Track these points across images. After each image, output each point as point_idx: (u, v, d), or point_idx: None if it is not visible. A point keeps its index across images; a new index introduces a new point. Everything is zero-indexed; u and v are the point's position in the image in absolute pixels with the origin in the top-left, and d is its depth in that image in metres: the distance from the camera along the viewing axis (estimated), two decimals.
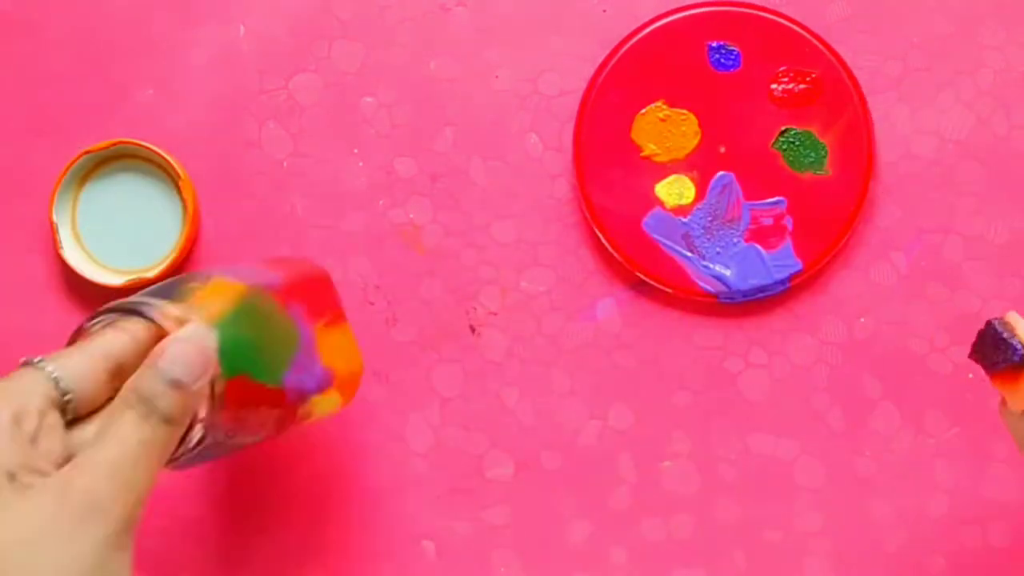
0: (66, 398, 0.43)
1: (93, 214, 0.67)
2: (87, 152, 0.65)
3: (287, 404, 0.51)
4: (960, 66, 0.66)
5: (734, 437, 0.66)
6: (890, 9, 0.67)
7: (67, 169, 0.65)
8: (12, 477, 0.39)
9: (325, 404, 0.55)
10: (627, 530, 0.66)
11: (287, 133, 0.68)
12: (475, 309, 0.67)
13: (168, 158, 0.65)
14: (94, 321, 0.46)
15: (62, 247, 0.65)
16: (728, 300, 0.65)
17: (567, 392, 0.66)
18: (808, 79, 0.65)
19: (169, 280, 0.50)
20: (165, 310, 0.46)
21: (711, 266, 0.65)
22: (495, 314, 0.67)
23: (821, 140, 0.65)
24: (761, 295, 0.65)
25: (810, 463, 0.66)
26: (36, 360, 0.43)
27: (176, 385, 0.42)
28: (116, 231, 0.66)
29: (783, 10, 0.66)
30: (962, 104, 0.66)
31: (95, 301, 0.67)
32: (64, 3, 0.68)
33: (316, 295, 0.57)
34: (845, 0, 0.67)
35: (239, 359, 0.47)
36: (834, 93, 0.65)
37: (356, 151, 0.67)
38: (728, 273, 0.65)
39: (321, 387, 0.54)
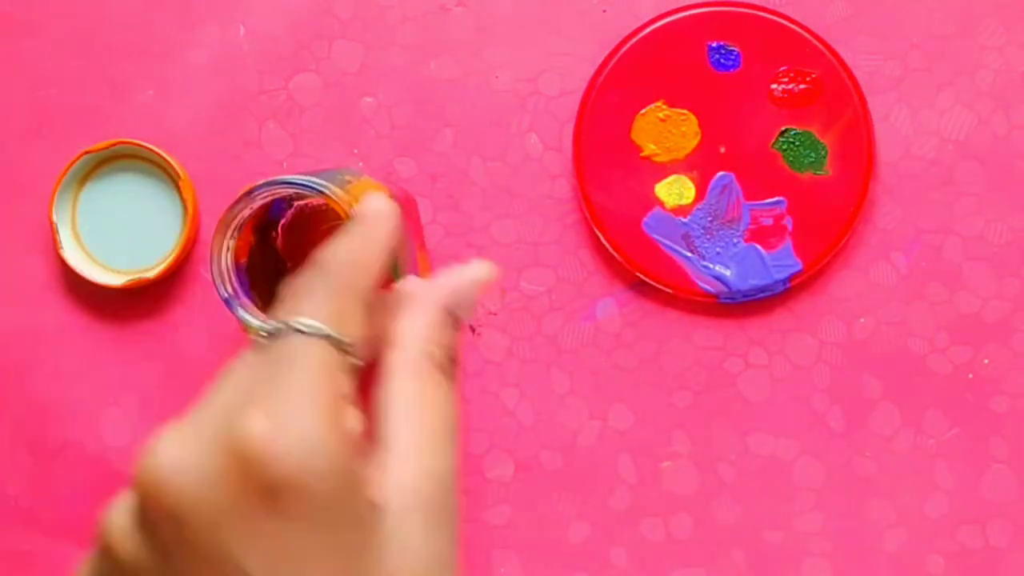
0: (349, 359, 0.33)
1: (93, 214, 0.67)
2: (87, 152, 0.65)
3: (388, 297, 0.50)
4: (960, 66, 0.66)
5: (734, 437, 0.66)
6: (890, 9, 0.67)
7: (67, 169, 0.65)
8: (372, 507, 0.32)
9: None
10: (627, 530, 0.66)
11: (287, 133, 0.68)
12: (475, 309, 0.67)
13: (168, 158, 0.65)
14: (262, 190, 0.48)
15: (62, 247, 0.65)
16: (728, 300, 0.65)
17: (567, 392, 0.66)
18: (808, 79, 0.65)
19: (316, 173, 0.50)
20: (340, 196, 0.47)
21: (711, 266, 0.65)
22: (495, 314, 0.67)
23: (821, 140, 0.65)
24: (761, 295, 0.65)
25: (810, 463, 0.66)
26: (301, 323, 0.32)
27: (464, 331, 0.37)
28: (116, 231, 0.66)
29: (783, 10, 0.66)
30: (962, 104, 0.66)
31: (95, 301, 0.67)
32: (64, 3, 0.68)
33: (413, 216, 0.56)
34: (845, 0, 0.67)
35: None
36: (834, 93, 0.65)
37: (356, 151, 0.67)
38: (728, 273, 0.65)
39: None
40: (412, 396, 0.34)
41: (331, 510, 0.30)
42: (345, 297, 0.34)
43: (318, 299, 0.34)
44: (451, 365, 0.36)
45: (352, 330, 0.33)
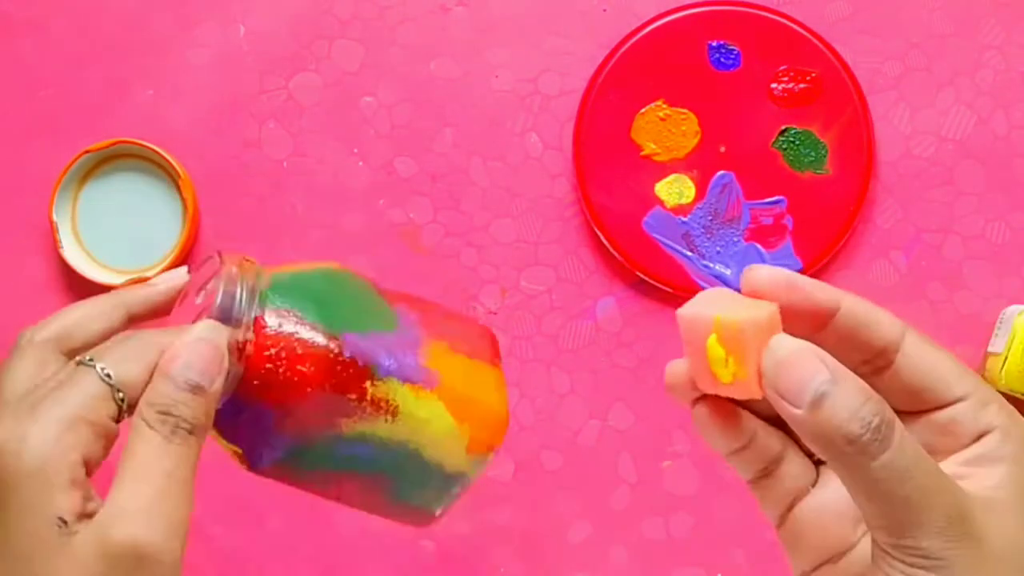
0: (119, 396, 0.39)
1: (93, 214, 0.67)
2: (87, 152, 0.65)
3: (339, 360, 0.42)
4: (960, 66, 0.66)
5: None
6: (890, 9, 0.67)
7: (67, 169, 0.65)
8: (63, 523, 0.36)
9: (420, 405, 0.44)
10: (627, 530, 0.66)
11: (287, 133, 0.68)
12: (475, 309, 0.67)
13: (168, 158, 0.65)
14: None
15: (62, 247, 0.65)
16: None
17: (567, 392, 0.66)
18: (808, 79, 0.65)
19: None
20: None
21: (711, 265, 0.65)
22: (495, 314, 0.67)
23: (821, 139, 0.65)
24: None
25: None
26: (88, 359, 0.39)
27: (195, 390, 0.39)
28: (116, 231, 0.66)
29: (783, 10, 0.66)
30: (962, 104, 0.66)
31: None
32: (64, 3, 0.68)
33: (450, 324, 0.48)
34: (845, 0, 0.67)
35: (287, 294, 0.42)
36: (834, 93, 0.65)
37: (356, 151, 0.67)
38: (728, 272, 0.65)
39: (408, 377, 0.44)
40: (128, 451, 0.38)
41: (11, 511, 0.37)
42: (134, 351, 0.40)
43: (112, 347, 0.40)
44: (164, 423, 0.39)
45: (121, 368, 0.39)
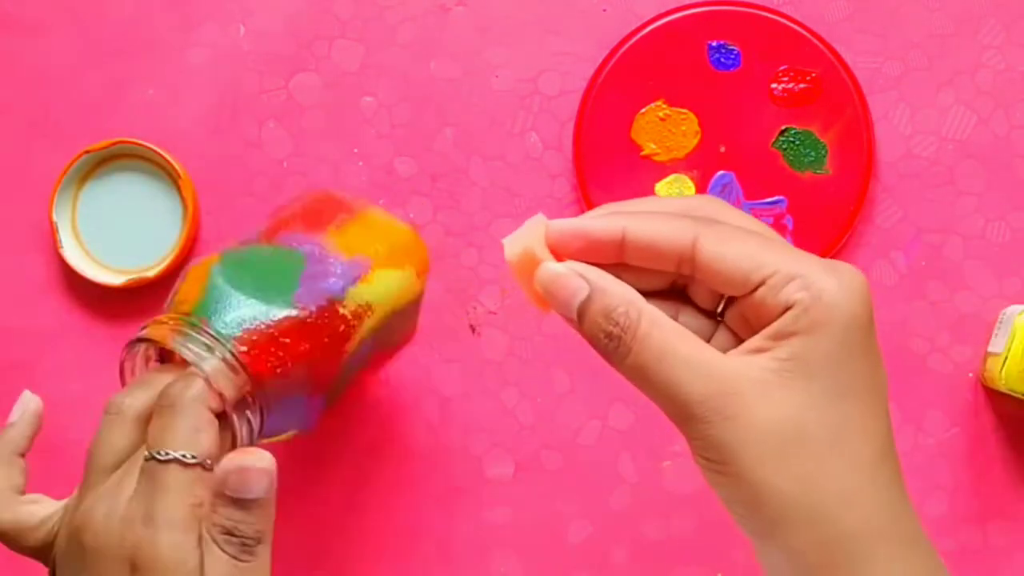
0: (208, 464, 0.44)
1: (93, 214, 0.67)
2: (87, 152, 0.65)
3: (314, 317, 0.49)
4: (960, 66, 0.66)
5: None
6: (890, 9, 0.67)
7: (67, 169, 0.65)
8: None
9: (378, 286, 0.53)
10: (627, 530, 0.66)
11: (287, 133, 0.68)
12: (475, 309, 0.67)
13: (168, 158, 0.65)
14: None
15: (62, 247, 0.65)
16: None
17: (567, 392, 0.66)
18: (808, 79, 0.65)
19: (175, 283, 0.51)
20: (160, 328, 0.47)
21: None
22: (495, 314, 0.67)
23: (821, 140, 0.65)
24: None
25: None
26: (160, 453, 0.43)
27: (253, 504, 0.43)
28: (116, 231, 0.66)
29: (783, 10, 0.66)
30: (962, 104, 0.66)
31: (95, 301, 0.67)
32: (65, 3, 0.68)
33: (313, 214, 0.55)
34: (845, 0, 0.67)
35: (232, 321, 0.47)
36: (834, 93, 0.65)
37: (356, 151, 0.67)
38: None
39: (354, 277, 0.52)
40: (206, 571, 0.42)
41: None
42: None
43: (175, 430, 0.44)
44: (230, 543, 0.43)
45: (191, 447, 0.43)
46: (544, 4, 0.67)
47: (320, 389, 0.50)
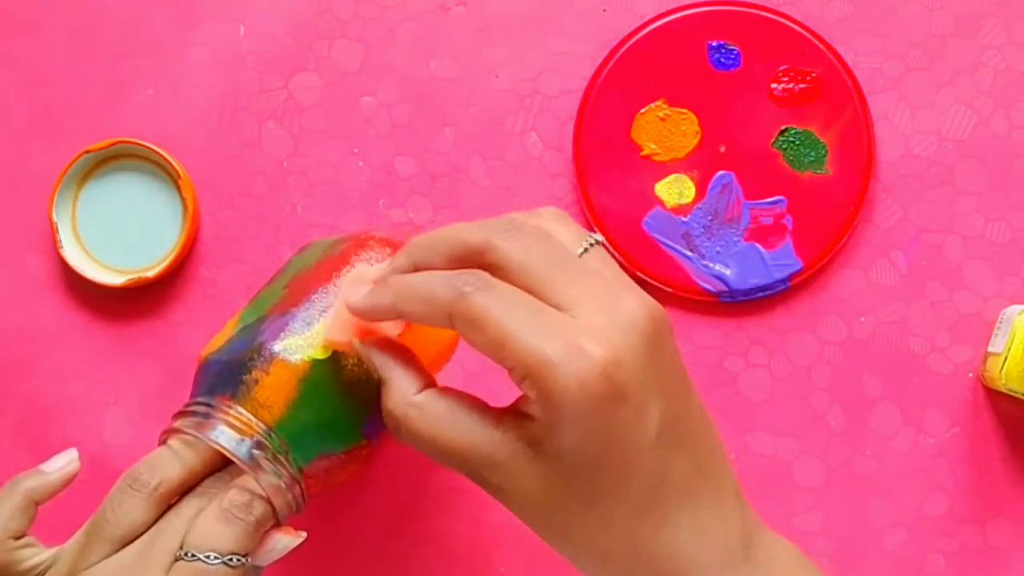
0: (244, 560, 0.45)
1: (93, 214, 0.67)
2: (87, 152, 0.65)
3: (372, 445, 0.50)
4: (960, 65, 0.66)
5: (734, 436, 0.66)
6: (890, 9, 0.67)
7: (67, 169, 0.65)
8: None
9: None
10: None
11: (287, 133, 0.68)
12: None
13: (168, 158, 0.65)
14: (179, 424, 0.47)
15: (62, 247, 0.65)
16: (728, 300, 0.65)
17: None
18: (808, 79, 0.65)
19: (233, 355, 0.49)
20: (231, 430, 0.46)
21: (711, 265, 0.65)
22: None
23: (821, 139, 0.65)
24: (761, 295, 0.65)
25: (810, 462, 0.66)
26: (187, 555, 0.44)
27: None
28: (116, 231, 0.66)
29: (783, 10, 0.66)
30: (962, 104, 0.66)
31: (95, 301, 0.67)
32: (65, 3, 0.68)
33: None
34: (845, 0, 0.67)
35: (310, 446, 0.47)
36: (834, 93, 0.65)
37: (356, 151, 0.67)
38: (728, 273, 0.65)
39: None
40: None
41: None
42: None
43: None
44: None
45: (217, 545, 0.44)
46: (544, 4, 0.67)
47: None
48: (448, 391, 0.43)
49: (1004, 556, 0.65)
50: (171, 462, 0.46)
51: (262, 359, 0.47)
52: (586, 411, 0.38)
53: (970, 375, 0.66)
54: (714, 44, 0.66)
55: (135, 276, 0.65)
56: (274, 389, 0.47)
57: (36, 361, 0.67)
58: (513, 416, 0.41)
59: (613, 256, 0.65)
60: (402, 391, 0.43)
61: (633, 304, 0.40)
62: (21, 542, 0.47)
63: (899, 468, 0.66)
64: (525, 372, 0.39)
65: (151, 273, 0.65)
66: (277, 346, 0.48)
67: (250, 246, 0.67)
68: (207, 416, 0.46)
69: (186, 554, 0.43)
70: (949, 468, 0.66)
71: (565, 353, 0.38)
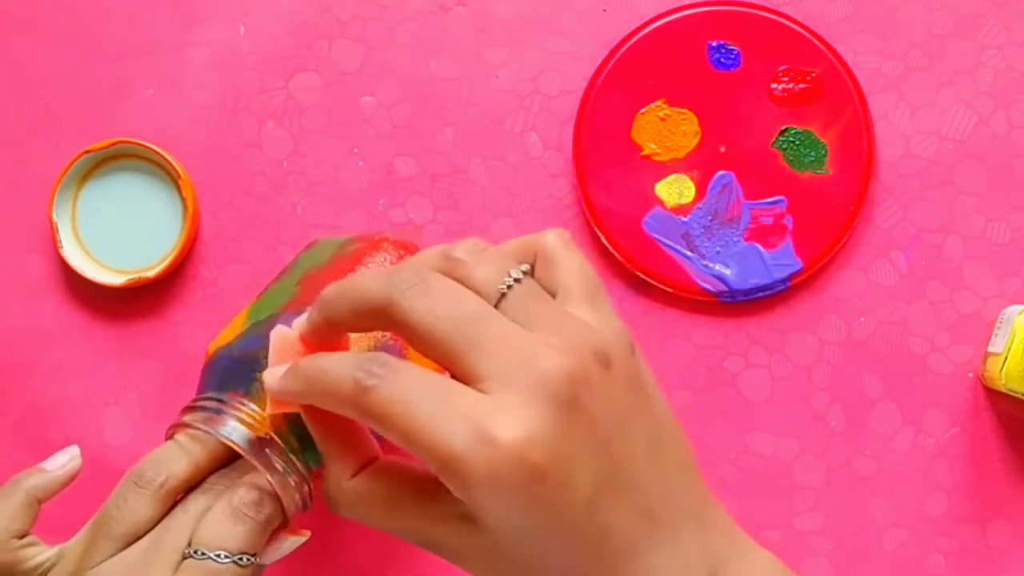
0: (251, 560, 0.45)
1: (93, 214, 0.67)
2: (87, 152, 0.65)
3: (382, 446, 0.50)
4: (960, 65, 0.66)
5: (734, 436, 0.66)
6: (890, 9, 0.67)
7: (67, 169, 0.65)
8: None
9: None
10: None
11: (287, 133, 0.68)
12: None
13: (168, 158, 0.65)
14: (188, 419, 0.47)
15: (62, 247, 0.65)
16: (728, 300, 0.65)
17: None
18: (808, 79, 0.65)
19: (245, 351, 0.48)
20: (243, 427, 0.46)
21: (711, 265, 0.65)
22: None
23: (821, 139, 0.65)
24: (761, 294, 0.65)
25: (810, 462, 0.66)
26: (196, 552, 0.44)
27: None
28: (116, 231, 0.66)
29: (783, 10, 0.66)
30: (962, 104, 0.66)
31: (95, 301, 0.67)
32: (64, 3, 0.68)
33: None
34: (845, 0, 0.67)
35: (320, 456, 0.47)
36: (834, 93, 0.65)
37: (356, 151, 0.67)
38: (728, 272, 0.65)
39: None
40: None
41: None
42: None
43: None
44: None
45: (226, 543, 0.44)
46: (544, 4, 0.67)
47: None
48: (387, 469, 0.41)
49: (1004, 556, 0.65)
50: (177, 457, 0.46)
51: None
52: (504, 497, 0.36)
53: (970, 375, 0.66)
54: (714, 44, 0.66)
55: (135, 276, 0.65)
56: None
57: (36, 361, 0.67)
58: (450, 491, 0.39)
59: (612, 254, 0.65)
60: (336, 475, 0.41)
61: (547, 364, 0.36)
62: (24, 541, 0.47)
63: (899, 468, 0.66)
64: (436, 466, 0.36)
65: (151, 273, 0.65)
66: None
67: (250, 246, 0.67)
68: (218, 412, 0.46)
69: (195, 552, 0.43)
70: (949, 468, 0.65)
71: (473, 444, 0.35)
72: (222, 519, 0.44)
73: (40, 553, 0.47)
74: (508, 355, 0.37)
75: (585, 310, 0.39)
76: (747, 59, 0.66)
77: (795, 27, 0.65)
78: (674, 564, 0.39)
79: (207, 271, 0.67)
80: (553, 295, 0.39)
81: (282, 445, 0.46)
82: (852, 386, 0.66)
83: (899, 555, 0.65)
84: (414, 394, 0.36)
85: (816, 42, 0.65)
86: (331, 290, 0.40)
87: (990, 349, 0.64)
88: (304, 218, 0.67)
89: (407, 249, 0.52)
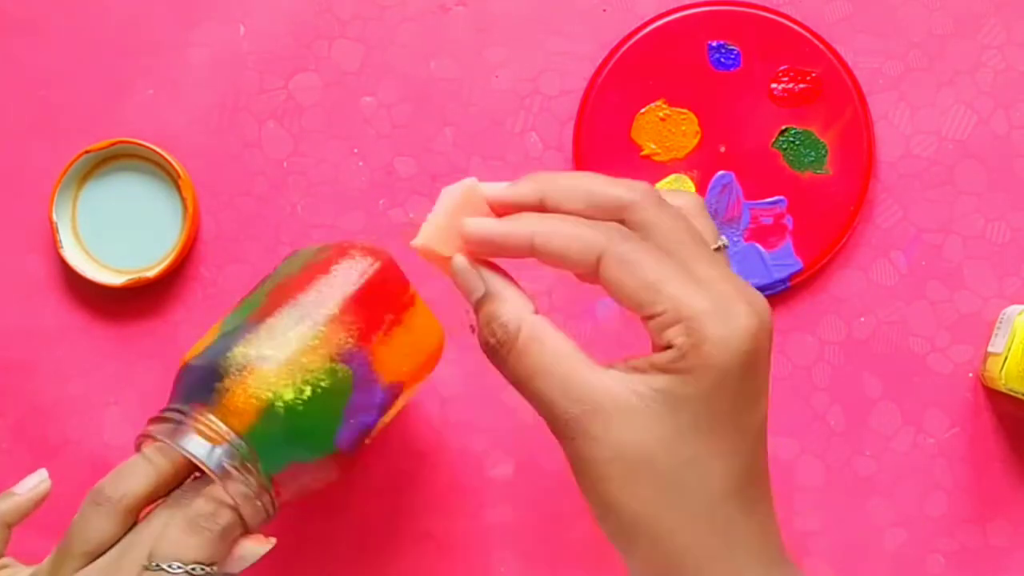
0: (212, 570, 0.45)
1: (93, 214, 0.67)
2: (87, 152, 0.65)
3: (345, 456, 0.50)
4: (960, 65, 0.66)
5: None
6: (890, 9, 0.67)
7: (67, 169, 0.65)
8: None
9: (394, 411, 0.54)
10: None
11: (287, 133, 0.68)
12: None
13: (168, 158, 0.65)
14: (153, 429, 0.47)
15: (62, 247, 0.65)
16: None
17: None
18: (808, 79, 0.65)
19: (208, 361, 0.49)
20: (201, 438, 0.46)
21: None
22: None
23: (821, 139, 0.65)
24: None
25: (810, 463, 0.66)
26: (155, 565, 0.44)
27: None
28: (116, 231, 0.66)
29: (783, 10, 0.66)
30: (962, 104, 0.66)
31: (95, 301, 0.67)
32: (64, 3, 0.68)
33: (369, 304, 0.52)
34: (845, 0, 0.67)
35: (280, 455, 0.47)
36: (834, 93, 0.65)
37: (356, 151, 0.67)
38: None
39: (385, 408, 0.52)
40: None
41: None
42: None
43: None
44: None
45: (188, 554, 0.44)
46: (544, 4, 0.67)
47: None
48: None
49: (1004, 556, 0.65)
50: (138, 473, 0.46)
51: (234, 366, 0.48)
52: (731, 369, 0.39)
53: (970, 375, 0.66)
54: (714, 44, 0.66)
55: (135, 276, 0.65)
56: (244, 397, 0.47)
57: (36, 361, 0.67)
58: (624, 368, 0.41)
59: None
60: (520, 304, 0.42)
61: (763, 301, 0.41)
62: None
63: (899, 468, 0.66)
64: (678, 317, 0.39)
65: (151, 273, 0.65)
66: (251, 353, 0.48)
67: (250, 246, 0.67)
68: (180, 423, 0.46)
69: (152, 564, 0.43)
70: (949, 468, 0.66)
71: (721, 308, 0.39)
72: (177, 531, 0.44)
73: (14, 575, 0.47)
74: (732, 278, 0.41)
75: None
76: (747, 59, 0.66)
77: (795, 27, 0.65)
78: (771, 527, 0.44)
79: (207, 271, 0.67)
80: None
81: (240, 455, 0.46)
82: (852, 386, 0.66)
83: (899, 555, 0.65)
84: (661, 256, 0.40)
85: (816, 42, 0.65)
86: (555, 179, 0.43)
87: (990, 349, 0.64)
88: (304, 218, 0.67)
89: (375, 255, 0.53)
